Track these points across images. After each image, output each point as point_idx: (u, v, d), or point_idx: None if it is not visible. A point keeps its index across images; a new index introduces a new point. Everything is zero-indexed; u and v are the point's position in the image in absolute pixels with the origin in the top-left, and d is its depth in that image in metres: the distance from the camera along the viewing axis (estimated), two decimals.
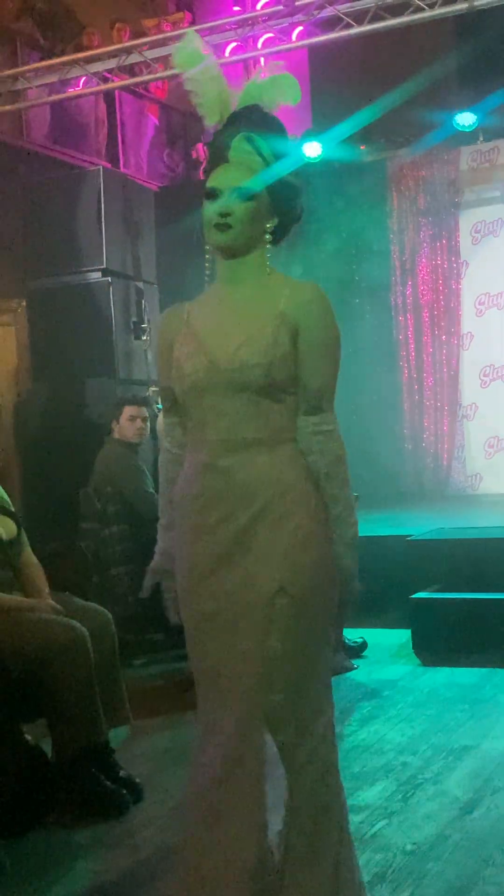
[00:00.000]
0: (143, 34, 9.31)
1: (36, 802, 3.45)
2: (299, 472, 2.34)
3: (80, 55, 7.65)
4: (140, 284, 8.12)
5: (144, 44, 7.47)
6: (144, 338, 7.97)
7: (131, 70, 7.49)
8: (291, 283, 2.41)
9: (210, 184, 2.37)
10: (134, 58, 7.31)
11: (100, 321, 7.80)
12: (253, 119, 2.39)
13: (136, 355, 7.98)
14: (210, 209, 2.35)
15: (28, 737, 3.57)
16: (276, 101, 2.45)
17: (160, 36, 7.74)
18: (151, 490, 5.91)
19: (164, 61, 7.45)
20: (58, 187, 8.23)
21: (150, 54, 7.34)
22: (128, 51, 7.41)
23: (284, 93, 2.47)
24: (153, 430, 6.22)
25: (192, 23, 9.77)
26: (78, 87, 8.05)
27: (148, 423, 6.10)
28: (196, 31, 7.40)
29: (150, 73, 7.53)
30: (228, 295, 2.42)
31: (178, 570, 2.45)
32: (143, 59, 7.33)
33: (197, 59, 2.43)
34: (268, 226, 2.38)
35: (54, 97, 7.93)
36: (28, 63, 8.28)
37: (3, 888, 2.98)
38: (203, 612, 2.37)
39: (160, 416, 6.45)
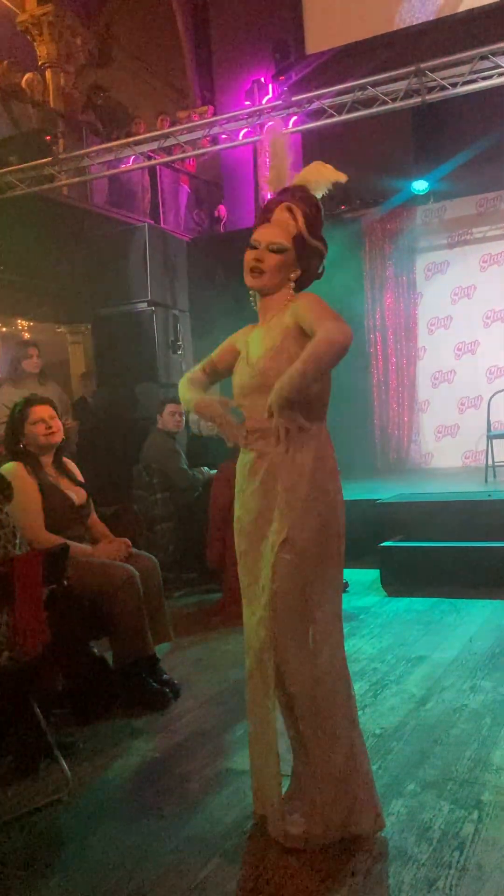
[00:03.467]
0: (178, 122, 9.26)
1: (102, 698, 3.47)
2: (313, 458, 2.29)
3: (130, 139, 7.59)
4: (176, 312, 8.12)
5: (179, 130, 7.41)
6: (179, 352, 7.98)
7: (169, 150, 7.44)
8: (294, 299, 2.37)
9: (253, 237, 2.36)
10: (171, 140, 7.26)
11: (146, 340, 7.80)
12: (296, 195, 2.36)
13: (174, 365, 7.98)
14: (249, 256, 2.34)
15: (95, 650, 3.59)
16: (322, 185, 2.41)
17: (190, 124, 7.67)
18: (185, 467, 5.92)
19: (194, 143, 7.40)
20: (114, 239, 8.22)
21: (183, 138, 7.28)
22: (166, 136, 7.34)
23: (328, 179, 2.42)
24: (187, 422, 6.23)
25: (214, 114, 9.70)
26: (128, 163, 8.02)
27: (184, 417, 6.11)
28: (216, 120, 7.37)
29: (182, 152, 7.48)
30: (263, 323, 2.42)
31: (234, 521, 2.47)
32: (177, 142, 7.28)
33: (280, 157, 2.46)
34: (292, 276, 2.36)
35: (111, 171, 7.88)
36: (91, 145, 8.23)
37: (79, 763, 3.01)
38: (239, 550, 2.44)
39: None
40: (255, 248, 2.34)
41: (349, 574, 5.67)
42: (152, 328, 7.78)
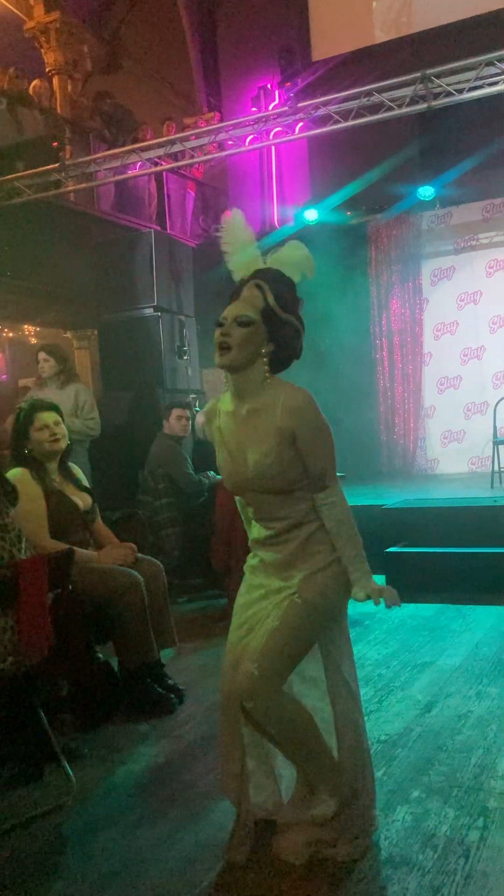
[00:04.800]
0: (185, 129, 9.28)
1: (106, 704, 3.47)
2: (320, 540, 2.28)
3: (137, 145, 7.61)
4: (182, 317, 8.12)
5: (186, 136, 7.43)
6: (185, 357, 7.98)
7: (175, 156, 7.46)
8: (284, 391, 2.23)
9: (222, 315, 2.25)
10: (177, 147, 7.28)
11: (152, 345, 7.80)
12: (268, 275, 2.26)
13: (180, 370, 7.98)
14: (216, 334, 2.23)
15: (100, 655, 3.59)
16: (296, 270, 2.30)
17: (197, 130, 7.69)
18: (191, 471, 5.92)
19: (201, 149, 7.42)
20: (120, 245, 8.23)
21: (190, 144, 7.30)
22: (173, 142, 7.36)
23: (303, 266, 2.32)
24: (192, 427, 6.24)
25: (221, 120, 9.72)
26: (135, 169, 8.04)
27: (190, 422, 6.11)
28: (223, 126, 7.38)
29: (189, 158, 7.49)
30: (238, 408, 2.28)
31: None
32: (184, 148, 7.29)
33: (238, 232, 2.31)
34: (263, 350, 2.23)
35: (117, 177, 7.91)
36: (98, 151, 8.26)
37: (83, 768, 3.01)
38: (240, 603, 2.39)
39: (198, 415, 6.47)
40: (222, 324, 2.23)
41: None
42: (158, 333, 7.78)
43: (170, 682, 3.67)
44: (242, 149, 7.51)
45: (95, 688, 3.36)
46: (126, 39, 11.61)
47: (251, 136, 7.37)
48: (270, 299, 2.22)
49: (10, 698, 2.74)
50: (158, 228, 9.16)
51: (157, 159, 7.52)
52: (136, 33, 11.63)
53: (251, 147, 7.60)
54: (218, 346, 2.22)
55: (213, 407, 2.39)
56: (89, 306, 8.41)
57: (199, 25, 11.30)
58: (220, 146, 7.42)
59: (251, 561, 2.43)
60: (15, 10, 9.87)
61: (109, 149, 8.30)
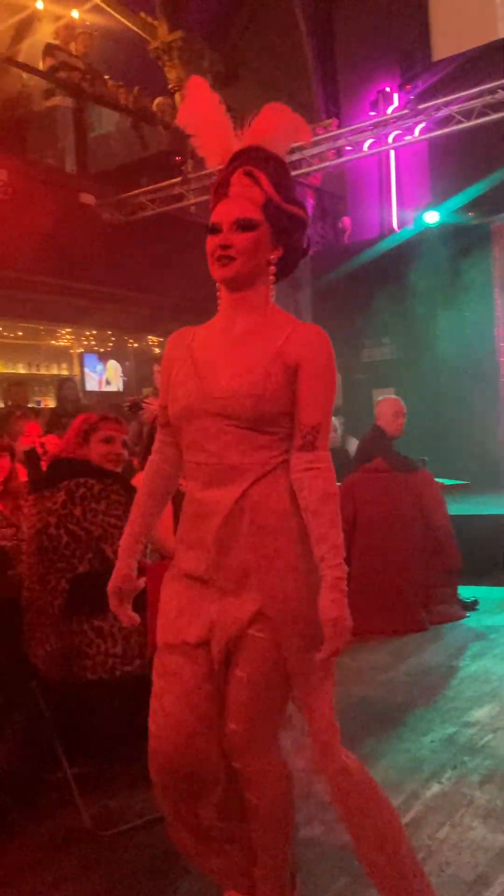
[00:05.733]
0: None
1: None
2: (285, 501, 1.76)
3: None
4: None
5: (303, 145, 7.46)
6: None
7: (294, 164, 7.50)
8: (295, 322, 1.84)
9: (212, 219, 1.82)
10: (296, 155, 7.31)
11: None
12: (252, 156, 1.82)
13: None
14: (212, 243, 1.80)
15: None
16: (282, 140, 1.88)
17: (315, 138, 7.71)
18: None
19: (319, 156, 7.43)
20: None
21: (308, 152, 7.33)
22: (291, 150, 7.42)
23: (290, 132, 1.89)
24: None
25: (339, 126, 9.70)
26: None
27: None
28: (341, 133, 7.36)
29: (307, 166, 7.52)
30: (230, 326, 1.85)
31: (164, 595, 1.90)
32: (303, 156, 7.33)
33: (202, 103, 1.88)
34: (271, 257, 1.83)
35: None
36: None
37: None
38: (185, 640, 1.81)
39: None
40: (216, 231, 1.80)
41: (478, 591, 5.49)
42: None
43: None
44: (361, 154, 7.46)
45: None
46: (244, 51, 11.77)
47: (370, 141, 7.31)
48: (270, 190, 1.80)
49: (137, 699, 2.81)
50: None
51: None
52: (254, 45, 11.78)
53: (371, 152, 7.54)
54: (217, 259, 1.80)
55: (183, 332, 1.95)
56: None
57: (316, 33, 11.32)
58: (339, 152, 7.40)
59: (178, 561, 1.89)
60: (140, 32, 10.20)
61: None
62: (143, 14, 10.12)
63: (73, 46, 8.58)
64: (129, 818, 2.69)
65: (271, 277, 1.85)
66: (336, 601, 1.69)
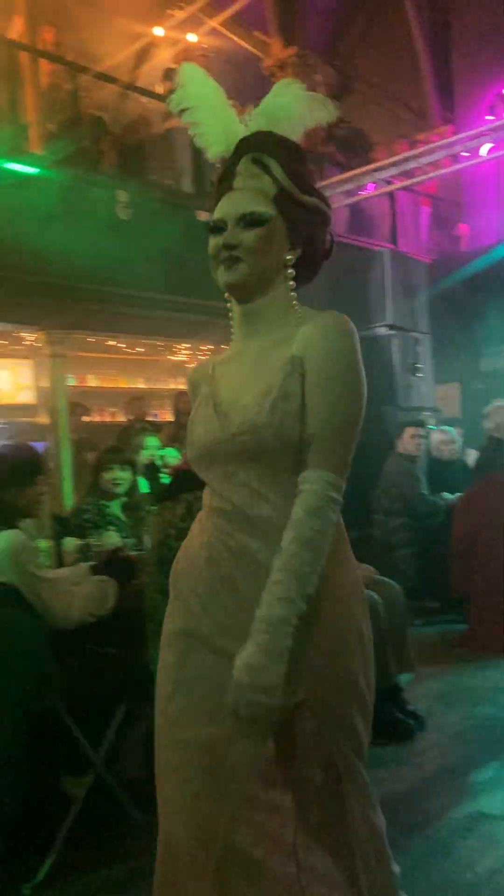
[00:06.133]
0: (416, 144, 9.19)
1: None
2: (330, 556, 1.42)
3: (371, 167, 7.67)
4: (416, 335, 8.02)
5: (419, 153, 7.36)
6: (419, 374, 7.87)
7: (409, 173, 7.41)
8: (312, 317, 1.53)
9: (215, 216, 1.54)
10: (412, 163, 7.23)
11: (385, 363, 7.77)
12: (266, 143, 1.53)
13: (413, 388, 7.89)
14: (215, 244, 1.52)
15: None
16: (297, 121, 1.58)
17: (430, 146, 7.59)
18: (426, 492, 5.79)
19: (435, 164, 7.30)
20: (353, 266, 8.30)
21: (424, 160, 7.23)
22: (406, 159, 7.33)
23: (304, 113, 1.58)
24: (427, 446, 6.11)
25: (455, 132, 9.52)
26: (369, 189, 8.09)
27: (424, 440, 5.99)
28: (457, 139, 7.21)
29: (422, 174, 7.41)
30: (245, 348, 1.57)
31: (160, 681, 1.55)
32: (418, 164, 7.23)
33: (199, 87, 1.60)
34: (287, 258, 1.53)
35: (350, 200, 8.00)
36: (331, 176, 8.42)
37: None
38: (193, 736, 1.45)
39: (432, 434, 6.33)
40: (220, 229, 1.51)
41: None
42: (391, 351, 7.74)
43: (409, 707, 3.59)
44: (479, 160, 7.28)
45: None
46: (358, 62, 11.76)
47: (489, 146, 7.13)
48: (282, 178, 1.50)
49: None
50: (392, 246, 9.13)
51: (390, 178, 7.51)
52: (367, 55, 11.75)
53: (488, 157, 7.35)
54: (221, 262, 1.52)
55: (203, 363, 1.68)
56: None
57: (431, 40, 11.17)
58: (455, 159, 7.25)
59: (173, 618, 1.54)
60: (253, 50, 10.37)
61: (343, 172, 8.42)
62: (256, 33, 10.29)
63: None
64: None
65: (290, 283, 1.55)
66: (272, 671, 1.31)
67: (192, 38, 9.89)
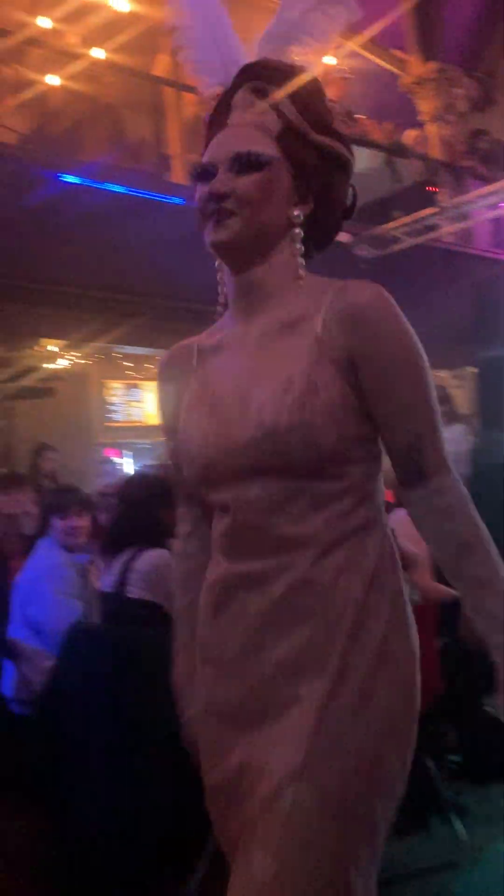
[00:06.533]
0: None
1: (498, 759, 3.30)
2: (368, 583, 1.15)
3: None
4: None
5: None
6: None
7: None
8: (335, 287, 1.18)
9: (203, 158, 1.20)
10: None
11: None
12: (265, 67, 1.21)
13: None
14: (202, 193, 1.18)
15: (488, 708, 3.43)
16: (311, 43, 1.26)
17: None
18: None
19: None
20: (498, 280, 8.06)
21: None
22: None
23: (322, 27, 1.24)
24: None
25: None
26: None
27: None
28: None
29: None
30: (246, 330, 1.22)
31: (195, 720, 1.33)
32: None
33: (197, 4, 1.28)
34: (295, 213, 1.19)
35: (493, 213, 7.78)
36: (473, 189, 8.23)
37: (469, 824, 2.87)
38: (215, 783, 1.23)
39: None
40: (208, 174, 1.18)
41: None
42: None
43: None
44: None
45: (486, 740, 3.22)
46: (500, 74, 11.45)
47: None
48: (290, 111, 1.18)
49: None
50: None
51: None
52: None
53: None
54: (208, 216, 1.18)
55: (178, 351, 1.32)
56: (467, 345, 8.34)
57: None
58: None
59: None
60: (390, 67, 10.32)
61: (484, 185, 8.20)
62: (394, 51, 10.24)
63: (328, 92, 8.86)
64: (392, 867, 2.61)
65: (298, 246, 1.20)
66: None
67: (330, 60, 9.96)
